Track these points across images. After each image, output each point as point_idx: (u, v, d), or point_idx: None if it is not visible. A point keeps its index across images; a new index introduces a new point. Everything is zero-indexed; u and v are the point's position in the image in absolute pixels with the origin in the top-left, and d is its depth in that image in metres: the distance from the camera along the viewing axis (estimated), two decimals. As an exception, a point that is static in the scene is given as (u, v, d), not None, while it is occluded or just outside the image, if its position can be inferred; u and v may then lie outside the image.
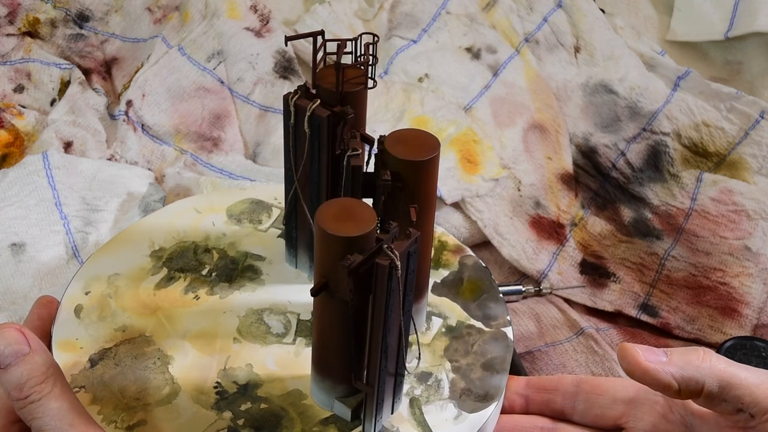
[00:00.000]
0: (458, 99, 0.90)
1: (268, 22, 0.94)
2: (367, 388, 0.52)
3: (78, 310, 0.62)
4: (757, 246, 0.80)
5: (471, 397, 0.58)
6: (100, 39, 0.96)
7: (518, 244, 0.82)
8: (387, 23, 0.96)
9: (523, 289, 0.80)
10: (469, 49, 0.94)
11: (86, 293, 0.63)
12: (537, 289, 0.81)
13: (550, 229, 0.84)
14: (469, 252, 0.68)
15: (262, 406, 0.56)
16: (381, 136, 0.55)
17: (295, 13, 1.00)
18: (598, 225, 0.86)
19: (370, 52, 0.57)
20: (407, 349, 0.53)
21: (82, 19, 0.96)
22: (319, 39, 0.56)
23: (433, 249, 0.68)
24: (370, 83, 0.58)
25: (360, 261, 0.47)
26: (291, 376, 0.57)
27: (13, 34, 0.94)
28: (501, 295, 0.65)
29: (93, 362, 0.58)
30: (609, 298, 0.81)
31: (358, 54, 0.57)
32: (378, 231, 0.49)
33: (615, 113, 0.90)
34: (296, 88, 0.57)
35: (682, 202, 0.85)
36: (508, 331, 0.62)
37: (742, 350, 0.67)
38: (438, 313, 0.63)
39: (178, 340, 0.60)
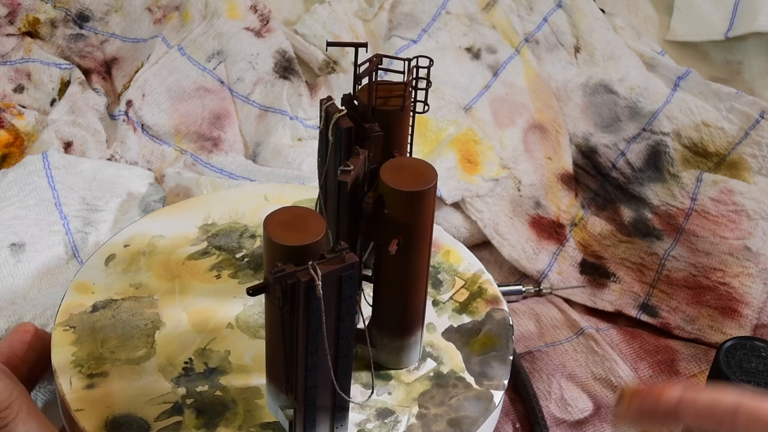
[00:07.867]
0: (458, 99, 0.90)
1: (268, 22, 0.94)
2: (294, 402, 0.51)
3: (109, 259, 0.64)
4: (757, 246, 0.80)
5: None
6: (100, 39, 0.96)
7: (518, 244, 0.82)
8: (387, 23, 0.96)
9: (523, 289, 0.80)
10: (469, 49, 0.94)
11: (125, 246, 0.65)
12: (537, 289, 0.81)
13: (550, 229, 0.84)
14: (503, 306, 0.65)
15: (217, 393, 0.56)
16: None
17: (295, 13, 1.00)
18: (598, 225, 0.86)
19: (422, 76, 0.56)
20: (349, 376, 0.51)
21: (82, 19, 0.96)
22: (362, 51, 0.56)
23: (467, 292, 0.66)
24: (420, 107, 0.57)
25: (288, 272, 0.46)
26: (260, 374, 0.57)
27: (13, 34, 0.94)
28: (510, 357, 0.62)
29: (95, 308, 0.61)
30: (609, 298, 0.81)
31: (412, 76, 0.57)
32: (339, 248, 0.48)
33: (615, 113, 0.90)
34: (343, 95, 0.57)
35: (682, 202, 0.84)
36: (497, 395, 0.59)
37: (742, 350, 0.67)
38: (436, 357, 0.61)
39: (178, 310, 0.61)
